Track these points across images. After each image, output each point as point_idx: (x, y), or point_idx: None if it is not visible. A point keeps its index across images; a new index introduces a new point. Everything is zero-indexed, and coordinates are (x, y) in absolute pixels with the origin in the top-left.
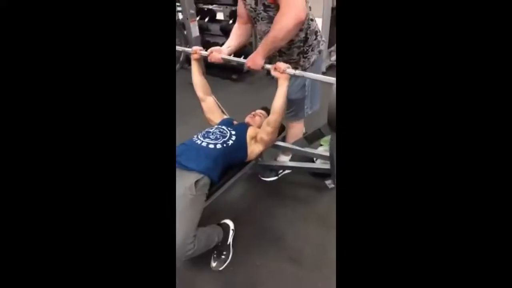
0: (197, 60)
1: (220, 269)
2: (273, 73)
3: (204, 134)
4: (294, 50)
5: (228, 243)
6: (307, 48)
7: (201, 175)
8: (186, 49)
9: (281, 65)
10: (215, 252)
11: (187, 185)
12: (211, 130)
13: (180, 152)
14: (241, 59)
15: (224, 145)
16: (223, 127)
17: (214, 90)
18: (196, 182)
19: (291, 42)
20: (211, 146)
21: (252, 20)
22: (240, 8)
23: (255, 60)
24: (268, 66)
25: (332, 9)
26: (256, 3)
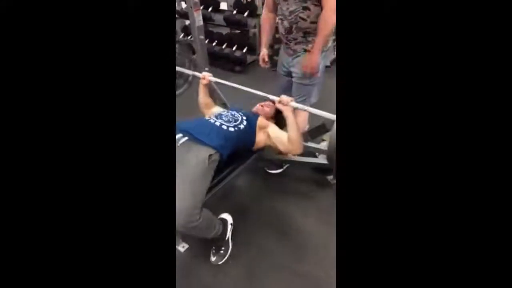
0: (205, 85)
1: (220, 263)
2: (277, 105)
3: (216, 115)
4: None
5: (226, 238)
6: None
7: (214, 151)
8: (196, 73)
9: (285, 98)
10: (214, 247)
11: (200, 157)
12: (224, 113)
13: (193, 125)
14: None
15: (236, 128)
16: (234, 111)
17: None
18: (209, 155)
19: (317, 26)
20: (224, 127)
21: (276, 2)
22: None
23: (312, 62)
24: (274, 98)
25: None
26: None
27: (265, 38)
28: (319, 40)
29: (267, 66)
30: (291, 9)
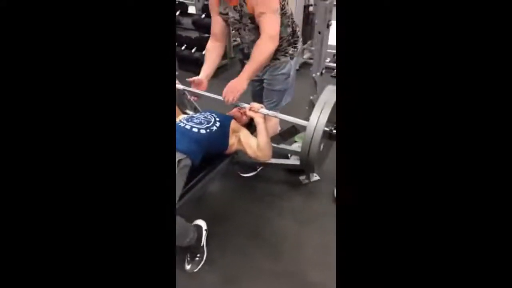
0: None
1: (195, 271)
2: (248, 112)
3: (187, 118)
4: (284, 43)
5: (201, 244)
6: (296, 39)
7: (184, 156)
8: None
9: (256, 105)
10: (189, 254)
11: None
12: (195, 115)
13: None
14: (220, 97)
15: (208, 130)
16: (207, 113)
17: (188, 86)
18: (179, 161)
19: (281, 39)
20: (195, 129)
21: (235, 31)
22: (215, 25)
23: (237, 86)
24: (245, 105)
25: (304, 7)
26: (240, 17)
27: (206, 68)
28: (250, 66)
29: (201, 91)
30: (251, 38)
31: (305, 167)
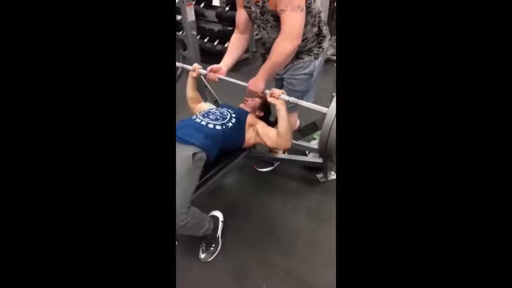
0: (195, 78)
1: (209, 260)
2: (269, 99)
3: (204, 114)
4: (308, 44)
5: (217, 235)
6: (321, 38)
7: (199, 149)
8: (185, 65)
9: (276, 91)
10: (204, 244)
11: (183, 156)
12: (212, 111)
13: (179, 127)
14: (241, 82)
15: (224, 126)
16: (224, 109)
17: None
18: (194, 154)
19: (305, 40)
20: (211, 125)
21: (256, 27)
22: (240, 17)
23: (257, 84)
24: (266, 91)
25: (330, 1)
26: (262, 13)
27: (227, 58)
28: (266, 67)
29: (215, 79)
30: (273, 36)
31: (324, 157)
